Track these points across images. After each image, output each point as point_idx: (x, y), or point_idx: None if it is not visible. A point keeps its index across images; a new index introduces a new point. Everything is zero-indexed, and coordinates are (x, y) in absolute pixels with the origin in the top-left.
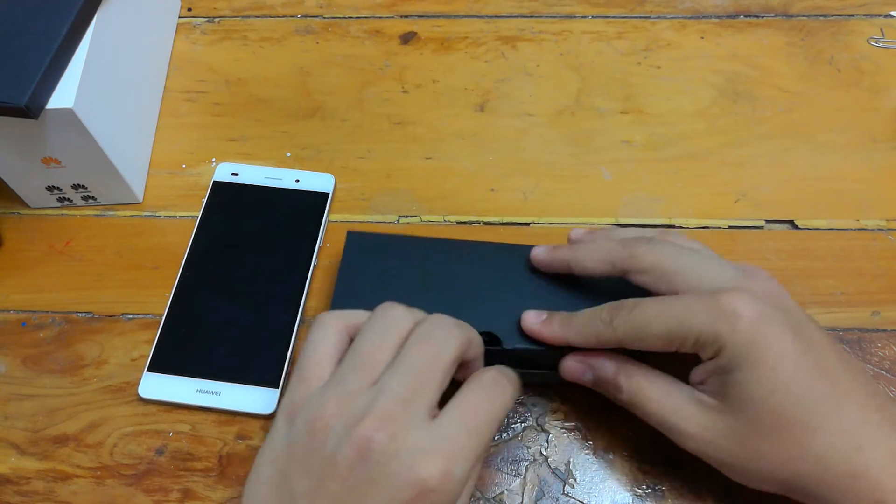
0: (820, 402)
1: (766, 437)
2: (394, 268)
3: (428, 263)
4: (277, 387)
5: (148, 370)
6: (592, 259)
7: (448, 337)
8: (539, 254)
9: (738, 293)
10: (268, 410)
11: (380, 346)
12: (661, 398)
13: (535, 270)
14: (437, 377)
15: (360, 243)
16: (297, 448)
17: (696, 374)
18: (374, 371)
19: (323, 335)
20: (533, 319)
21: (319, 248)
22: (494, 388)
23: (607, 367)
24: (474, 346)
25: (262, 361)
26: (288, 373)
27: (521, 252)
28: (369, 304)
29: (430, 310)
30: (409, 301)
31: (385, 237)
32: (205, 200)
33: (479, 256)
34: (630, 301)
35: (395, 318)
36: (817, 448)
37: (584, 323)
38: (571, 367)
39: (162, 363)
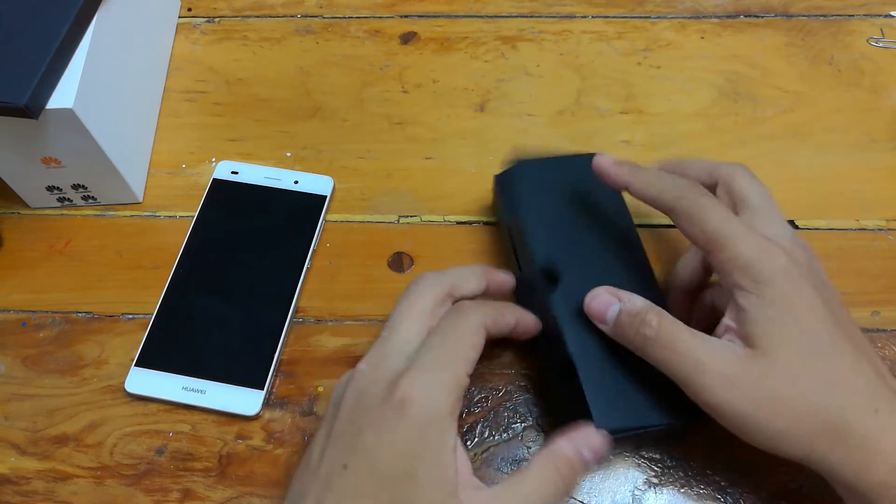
0: (841, 358)
1: (788, 384)
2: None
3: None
4: (262, 388)
5: (135, 365)
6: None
7: (422, 288)
8: (604, 161)
9: (785, 250)
10: (251, 412)
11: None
12: (691, 338)
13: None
14: (413, 317)
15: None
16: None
17: (723, 322)
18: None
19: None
20: (606, 159)
21: (314, 250)
22: (456, 313)
23: (637, 300)
24: (462, 284)
25: (249, 362)
26: (274, 374)
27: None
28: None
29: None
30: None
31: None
32: (203, 197)
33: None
34: (706, 194)
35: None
36: (836, 403)
37: (656, 178)
38: (600, 297)
39: (150, 359)
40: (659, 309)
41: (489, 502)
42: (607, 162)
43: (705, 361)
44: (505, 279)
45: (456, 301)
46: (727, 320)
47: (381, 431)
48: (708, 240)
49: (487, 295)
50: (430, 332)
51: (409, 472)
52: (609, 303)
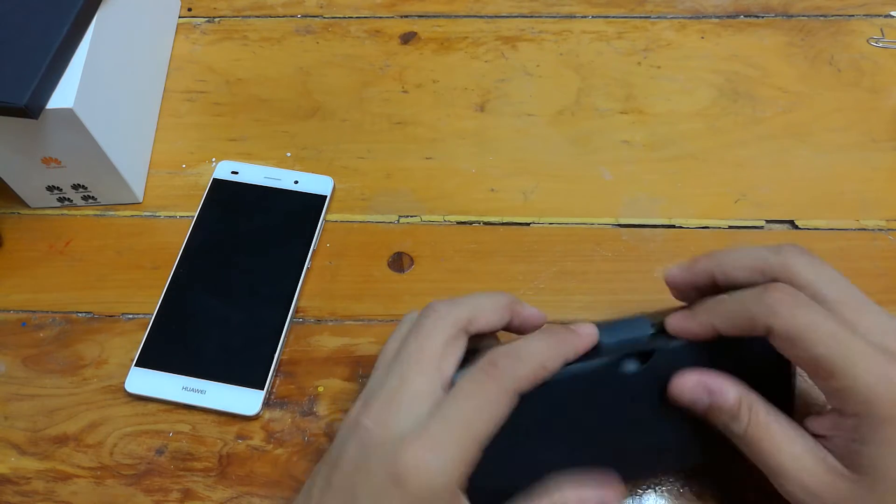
0: None
1: None
2: None
3: None
4: (262, 388)
5: (136, 365)
6: (738, 266)
7: (433, 325)
8: (675, 271)
9: None
10: (251, 412)
11: (391, 346)
12: (782, 440)
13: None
14: (424, 363)
15: None
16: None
17: (819, 424)
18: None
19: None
20: (678, 322)
21: (314, 250)
22: (486, 374)
23: (729, 394)
24: (478, 318)
25: (249, 362)
26: (274, 374)
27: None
28: None
29: None
30: None
31: None
32: (203, 197)
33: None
34: (801, 303)
35: (404, 321)
36: None
37: (738, 305)
38: (688, 387)
39: (150, 359)
40: (753, 400)
41: None
42: (681, 325)
43: (788, 470)
44: (534, 317)
45: (472, 336)
46: (829, 425)
47: (377, 503)
48: (816, 366)
49: (510, 329)
50: (450, 392)
51: None
52: (698, 394)
